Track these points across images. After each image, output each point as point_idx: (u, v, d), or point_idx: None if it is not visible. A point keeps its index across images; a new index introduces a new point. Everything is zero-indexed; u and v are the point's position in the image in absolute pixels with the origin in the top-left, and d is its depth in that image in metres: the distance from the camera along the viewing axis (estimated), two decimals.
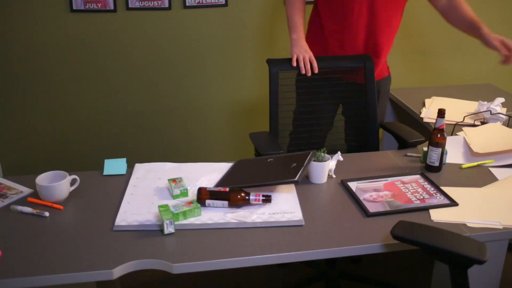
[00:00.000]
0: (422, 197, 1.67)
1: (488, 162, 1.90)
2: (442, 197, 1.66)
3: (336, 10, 2.21)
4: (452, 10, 2.26)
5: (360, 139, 2.31)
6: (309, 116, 2.27)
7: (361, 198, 1.66)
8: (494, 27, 3.30)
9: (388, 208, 1.60)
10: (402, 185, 1.75)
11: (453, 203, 1.63)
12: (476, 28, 2.19)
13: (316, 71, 2.12)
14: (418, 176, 1.81)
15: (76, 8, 2.89)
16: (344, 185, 1.75)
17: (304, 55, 2.11)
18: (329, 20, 2.24)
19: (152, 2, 2.94)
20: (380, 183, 1.77)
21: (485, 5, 3.25)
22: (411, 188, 1.73)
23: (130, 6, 2.92)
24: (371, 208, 1.60)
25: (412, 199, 1.65)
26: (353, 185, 1.75)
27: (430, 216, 1.55)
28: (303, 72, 2.10)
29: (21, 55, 2.95)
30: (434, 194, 1.68)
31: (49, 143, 3.17)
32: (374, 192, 1.70)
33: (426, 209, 1.60)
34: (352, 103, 2.29)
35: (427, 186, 1.74)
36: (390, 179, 1.80)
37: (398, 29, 2.31)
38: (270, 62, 2.18)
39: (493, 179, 1.80)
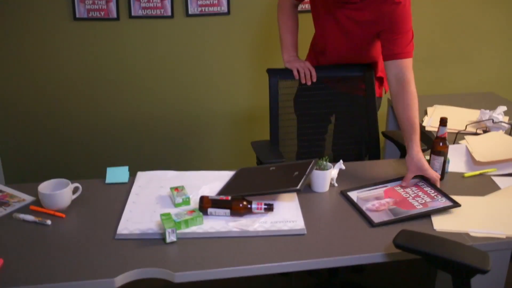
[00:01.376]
0: (424, 201, 1.66)
1: (490, 170, 1.90)
2: (444, 199, 1.66)
3: (315, 27, 2.25)
4: (398, 97, 1.95)
5: (361, 148, 2.31)
6: (310, 125, 2.28)
7: (363, 208, 1.65)
8: (496, 28, 3.31)
9: (392, 216, 1.59)
10: (402, 190, 1.75)
11: (455, 204, 1.62)
12: (407, 136, 1.89)
13: (315, 79, 2.14)
14: (417, 180, 1.81)
15: (79, 16, 2.90)
16: (344, 195, 1.74)
17: (303, 66, 2.14)
18: (316, 34, 2.29)
19: (155, 10, 2.95)
20: (380, 190, 1.76)
21: (487, 6, 3.27)
22: (412, 192, 1.73)
23: (133, 14, 2.94)
24: (375, 218, 1.59)
25: (415, 204, 1.65)
26: (353, 194, 1.74)
27: (432, 225, 1.55)
28: (303, 81, 2.13)
29: (24, 62, 2.96)
30: (435, 197, 1.68)
31: (52, 151, 3.17)
32: (375, 201, 1.70)
33: (429, 213, 1.60)
34: (352, 112, 2.30)
35: (427, 189, 1.74)
36: (389, 185, 1.79)
37: (375, 59, 2.24)
38: (270, 72, 2.20)
39: (496, 188, 1.79)
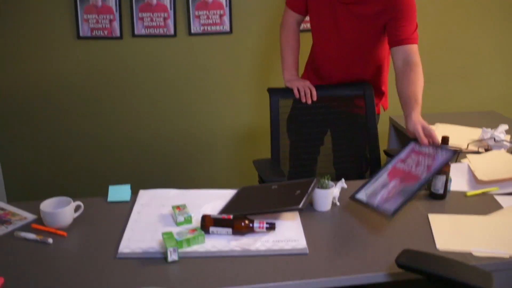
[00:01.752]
0: (426, 165, 1.67)
1: (492, 189, 1.90)
2: (444, 152, 1.69)
3: (316, 38, 2.27)
4: (404, 75, 2.00)
5: (361, 165, 2.31)
6: (310, 144, 2.29)
7: (375, 205, 1.64)
8: (497, 47, 3.33)
9: (402, 197, 1.59)
10: (403, 164, 1.76)
11: (455, 151, 1.67)
12: (408, 106, 1.92)
13: (315, 98, 2.15)
14: (412, 146, 1.82)
15: (83, 35, 2.93)
16: (354, 200, 1.72)
17: (303, 85, 2.16)
18: (315, 48, 2.30)
19: (158, 29, 2.98)
20: (383, 176, 1.76)
21: (487, 24, 3.29)
22: (412, 162, 1.73)
23: (136, 33, 2.97)
24: (390, 206, 1.58)
25: (419, 174, 1.66)
26: (362, 195, 1.72)
27: (435, 245, 1.54)
28: (304, 100, 2.14)
29: (27, 81, 2.99)
30: (434, 154, 1.70)
31: (54, 169, 3.18)
32: (383, 190, 1.69)
33: (434, 175, 1.65)
34: (352, 131, 2.30)
35: (425, 149, 1.76)
36: (390, 166, 1.80)
37: (379, 63, 2.26)
38: (270, 91, 2.22)
39: (498, 206, 1.79)
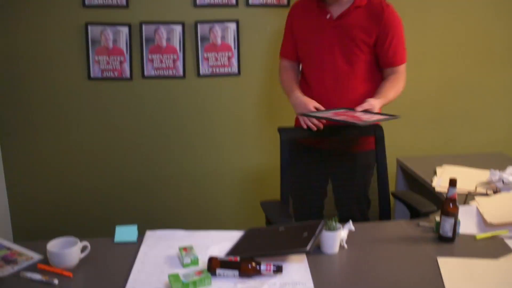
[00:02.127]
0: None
1: (502, 232, 1.87)
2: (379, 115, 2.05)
3: (309, 72, 2.33)
4: (386, 79, 2.26)
5: (365, 207, 2.29)
6: (317, 184, 2.28)
7: (343, 120, 1.95)
8: (503, 88, 3.34)
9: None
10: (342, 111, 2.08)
11: (394, 116, 2.01)
12: (375, 94, 2.19)
13: (321, 126, 2.12)
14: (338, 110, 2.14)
15: (94, 76, 2.99)
16: (306, 115, 2.05)
17: (309, 119, 2.13)
18: (312, 82, 2.33)
19: (167, 71, 3.03)
20: (328, 114, 2.06)
21: (493, 65, 3.32)
22: (352, 113, 2.05)
23: (146, 74, 3.02)
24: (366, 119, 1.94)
25: (366, 117, 1.98)
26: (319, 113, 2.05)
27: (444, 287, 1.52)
28: (315, 129, 2.12)
29: (38, 120, 3.03)
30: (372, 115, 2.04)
31: (61, 208, 3.18)
32: (343, 116, 2.00)
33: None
34: (352, 171, 2.30)
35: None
36: (327, 113, 2.08)
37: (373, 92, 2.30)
38: (281, 130, 2.22)
39: (508, 250, 1.76)
